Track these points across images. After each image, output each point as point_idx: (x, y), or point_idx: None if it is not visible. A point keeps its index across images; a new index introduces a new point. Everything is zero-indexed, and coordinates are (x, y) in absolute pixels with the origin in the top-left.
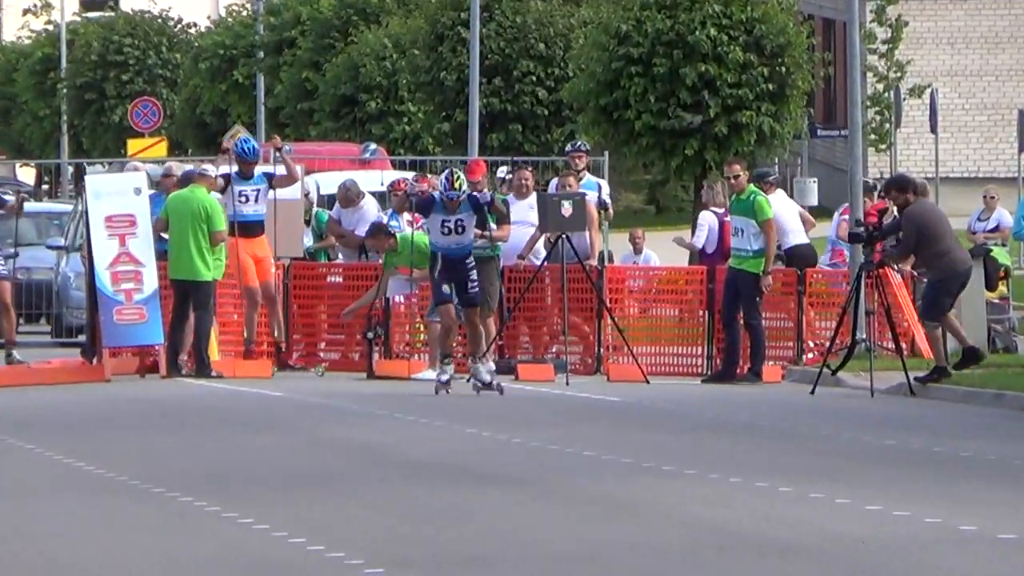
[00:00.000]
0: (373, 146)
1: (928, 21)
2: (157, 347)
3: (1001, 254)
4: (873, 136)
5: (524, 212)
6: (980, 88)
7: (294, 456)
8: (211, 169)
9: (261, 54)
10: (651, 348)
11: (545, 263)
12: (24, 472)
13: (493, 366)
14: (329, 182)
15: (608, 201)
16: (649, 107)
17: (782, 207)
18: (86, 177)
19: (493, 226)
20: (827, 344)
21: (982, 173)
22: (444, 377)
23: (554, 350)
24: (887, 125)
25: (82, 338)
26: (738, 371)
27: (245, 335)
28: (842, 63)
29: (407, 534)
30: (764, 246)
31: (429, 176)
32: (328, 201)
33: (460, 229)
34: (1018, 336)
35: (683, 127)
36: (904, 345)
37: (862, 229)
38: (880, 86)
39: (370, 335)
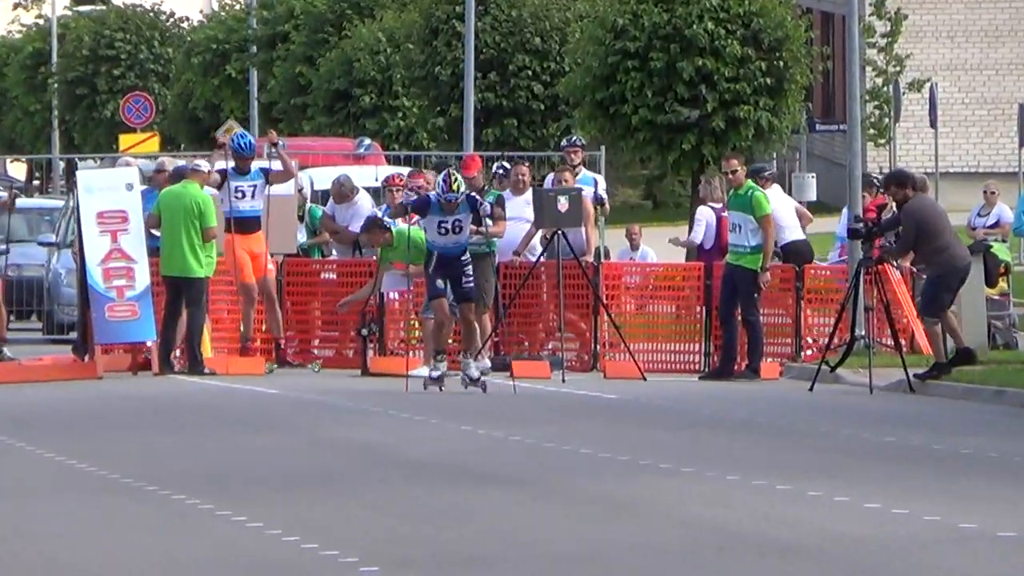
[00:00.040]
0: (367, 141)
1: (928, 14)
2: (149, 344)
3: (1001, 250)
4: (872, 131)
5: (521, 208)
6: (980, 82)
7: (294, 456)
8: (204, 164)
9: (254, 48)
10: (648, 345)
11: (541, 259)
12: (22, 472)
13: (488, 363)
14: (323, 177)
15: (604, 196)
16: (646, 101)
17: (778, 203)
18: (77, 173)
19: (489, 222)
20: (826, 341)
21: (982, 168)
22: (435, 374)
23: (550, 347)
24: (886, 120)
25: (74, 335)
26: (736, 368)
27: (241, 332)
28: (841, 57)
29: (406, 534)
30: (762, 242)
31: (424, 171)
32: (322, 197)
33: (457, 229)
34: (1018, 332)
35: (680, 122)
36: (903, 342)
37: (861, 225)
38: (879, 80)
39: (365, 332)
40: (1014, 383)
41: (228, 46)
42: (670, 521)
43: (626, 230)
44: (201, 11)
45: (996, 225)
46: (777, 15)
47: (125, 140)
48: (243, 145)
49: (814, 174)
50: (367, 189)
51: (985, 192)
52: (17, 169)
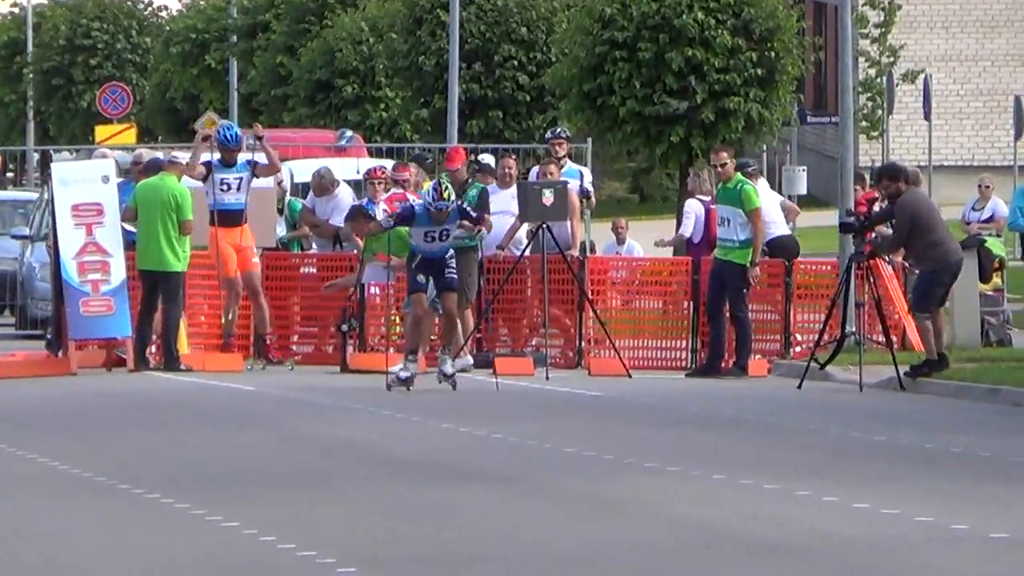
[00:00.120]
0: (349, 133)
1: (922, 4)
2: (125, 339)
3: (996, 245)
4: (865, 123)
5: (507, 202)
6: (975, 74)
7: (276, 453)
8: (181, 156)
9: (234, 38)
10: (634, 341)
11: (525, 253)
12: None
13: (471, 360)
14: (303, 170)
15: (590, 189)
16: (634, 93)
17: (763, 198)
18: (53, 164)
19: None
20: (815, 337)
21: (977, 161)
22: (404, 374)
23: (534, 343)
24: (879, 112)
25: (48, 330)
26: (723, 365)
27: (224, 327)
28: (833, 47)
29: (387, 533)
30: (751, 236)
31: (409, 165)
32: (302, 189)
33: (444, 236)
34: (1012, 329)
35: (669, 113)
36: (895, 338)
37: (853, 219)
38: (872, 71)
39: (344, 327)
40: (1007, 381)
41: (207, 35)
42: (657, 520)
43: (612, 224)
44: (180, 0)
45: (991, 219)
46: (768, 4)
47: (101, 131)
48: (229, 137)
49: (805, 167)
50: (348, 182)
51: (980, 186)
52: None
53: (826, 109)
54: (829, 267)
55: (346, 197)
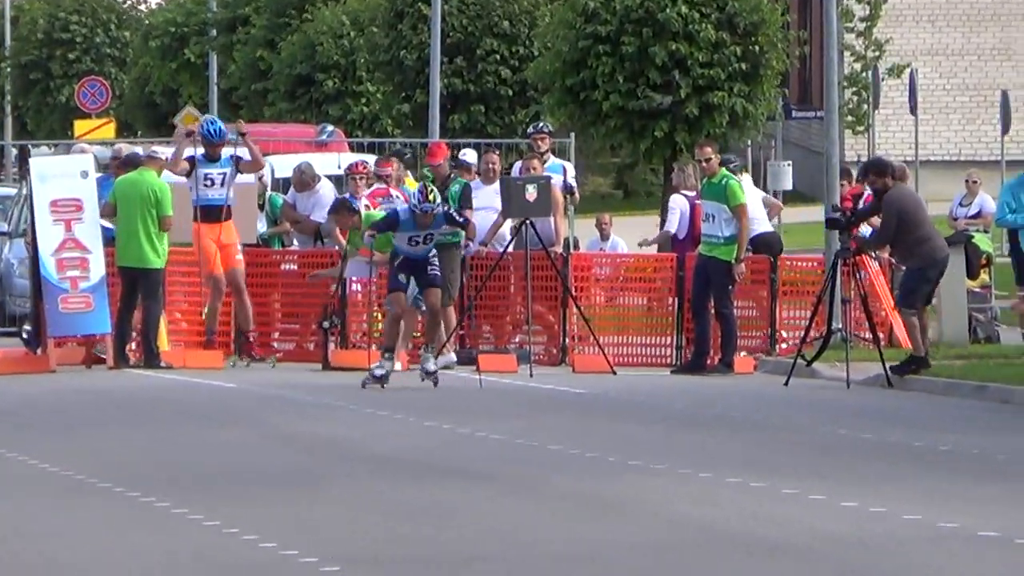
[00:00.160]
0: (330, 128)
1: None
2: (104, 336)
3: (983, 241)
4: (850, 118)
5: (490, 197)
6: (962, 68)
7: (258, 451)
8: (161, 151)
9: (214, 32)
10: (618, 338)
11: (508, 249)
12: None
13: (454, 357)
14: (284, 165)
15: (574, 185)
16: (617, 87)
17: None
18: (31, 160)
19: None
20: (801, 334)
21: (964, 156)
22: (379, 372)
23: (517, 340)
24: (865, 106)
25: (26, 327)
26: (709, 362)
27: (206, 324)
28: (818, 41)
29: (369, 531)
30: (736, 232)
31: (392, 160)
32: (283, 185)
33: (428, 240)
34: (1000, 326)
35: (652, 108)
36: (882, 335)
37: (839, 214)
38: (858, 65)
39: (326, 324)
40: (995, 378)
41: (187, 29)
42: (657, 520)
43: (596, 220)
44: None
45: (978, 215)
46: None
47: (80, 126)
48: (213, 131)
49: (790, 162)
50: (329, 177)
51: (967, 181)
52: None
53: (811, 104)
54: (815, 263)
55: (327, 193)
